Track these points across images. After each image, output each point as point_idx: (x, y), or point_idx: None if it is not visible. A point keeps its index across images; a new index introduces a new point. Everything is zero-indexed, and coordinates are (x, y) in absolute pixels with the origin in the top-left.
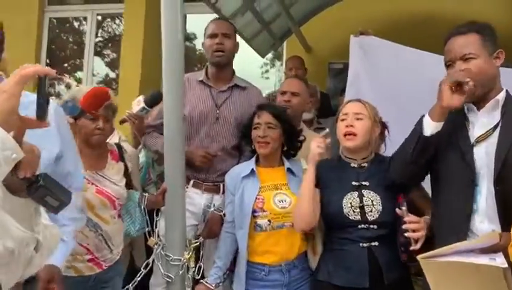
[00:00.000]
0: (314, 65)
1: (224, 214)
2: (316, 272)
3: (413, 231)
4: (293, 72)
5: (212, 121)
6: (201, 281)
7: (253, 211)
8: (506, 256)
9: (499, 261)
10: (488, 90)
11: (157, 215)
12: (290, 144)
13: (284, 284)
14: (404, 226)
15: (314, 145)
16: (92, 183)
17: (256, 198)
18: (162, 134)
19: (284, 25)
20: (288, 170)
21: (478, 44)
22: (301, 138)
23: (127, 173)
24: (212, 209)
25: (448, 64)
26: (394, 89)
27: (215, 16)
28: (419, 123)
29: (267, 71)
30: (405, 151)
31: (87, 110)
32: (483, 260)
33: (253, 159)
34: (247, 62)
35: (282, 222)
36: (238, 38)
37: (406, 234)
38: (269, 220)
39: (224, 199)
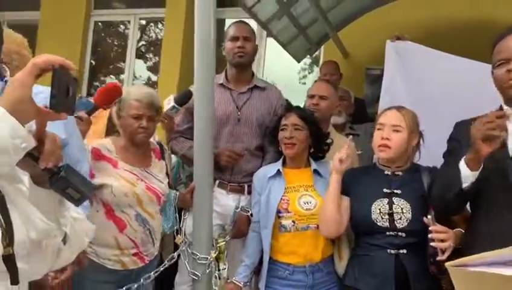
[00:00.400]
0: (351, 71)
1: (251, 214)
2: (344, 277)
3: (442, 241)
4: (328, 77)
5: (234, 122)
6: (231, 279)
7: (278, 212)
8: None
9: None
10: None
11: (185, 213)
12: (317, 146)
13: (308, 286)
14: (430, 235)
15: (336, 158)
16: (142, 180)
17: (281, 199)
18: (188, 138)
19: (321, 30)
20: (315, 171)
21: None
22: (329, 140)
23: (167, 171)
24: (238, 209)
25: (500, 64)
26: (430, 95)
27: (252, 20)
28: (455, 168)
29: (304, 76)
30: (446, 195)
31: (100, 105)
32: None
33: (280, 160)
34: (285, 67)
35: (307, 224)
36: (275, 43)
37: (431, 244)
38: (293, 221)
39: (251, 200)
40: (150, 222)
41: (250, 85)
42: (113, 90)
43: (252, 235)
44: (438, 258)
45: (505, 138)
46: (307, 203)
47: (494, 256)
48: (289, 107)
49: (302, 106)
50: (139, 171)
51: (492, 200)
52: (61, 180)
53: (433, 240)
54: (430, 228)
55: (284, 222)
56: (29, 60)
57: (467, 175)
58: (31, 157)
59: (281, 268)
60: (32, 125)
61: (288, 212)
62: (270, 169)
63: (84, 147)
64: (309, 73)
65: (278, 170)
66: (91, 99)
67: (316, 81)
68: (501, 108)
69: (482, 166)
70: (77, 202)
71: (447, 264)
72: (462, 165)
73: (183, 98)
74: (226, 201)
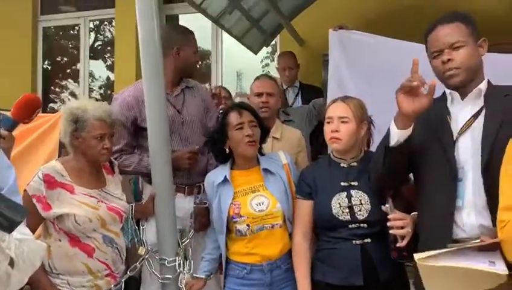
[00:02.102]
0: (308, 58)
1: (209, 205)
2: (312, 272)
3: (402, 227)
4: (287, 73)
5: (179, 126)
6: (193, 275)
7: (232, 217)
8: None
9: (498, 267)
10: (473, 78)
11: (142, 224)
12: (262, 142)
13: (266, 284)
14: (388, 224)
15: None
16: (102, 201)
17: (232, 204)
18: (130, 153)
19: (274, 20)
20: (264, 170)
21: (464, 32)
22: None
23: (122, 185)
24: (195, 202)
25: (436, 55)
26: (375, 80)
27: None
28: (388, 132)
29: (267, 65)
30: (377, 162)
31: (20, 120)
32: (482, 265)
33: (228, 163)
34: (246, 57)
35: (262, 224)
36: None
37: (390, 231)
38: (248, 225)
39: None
40: (116, 240)
41: (181, 86)
42: (31, 103)
43: (210, 230)
44: (398, 244)
45: (449, 120)
46: (259, 204)
47: (458, 251)
48: (237, 104)
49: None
50: (97, 192)
51: (432, 179)
52: None
53: (392, 228)
54: (388, 216)
55: (239, 226)
56: None
57: (394, 133)
58: None
59: (238, 268)
60: None
61: (241, 216)
62: (217, 175)
63: (9, 165)
64: (271, 61)
65: (225, 176)
66: (8, 114)
67: (258, 78)
68: (444, 94)
69: (412, 125)
70: (8, 229)
71: (416, 258)
72: (392, 124)
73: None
74: (183, 204)
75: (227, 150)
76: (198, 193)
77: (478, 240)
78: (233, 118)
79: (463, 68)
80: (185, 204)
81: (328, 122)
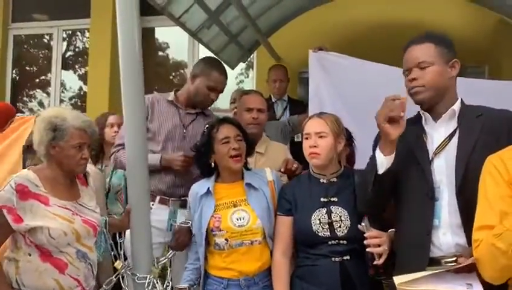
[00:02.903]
0: None
1: (191, 225)
2: (291, 289)
3: (379, 245)
4: (277, 85)
5: (180, 138)
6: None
7: (212, 230)
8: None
9: (476, 288)
10: (442, 98)
11: (120, 237)
12: (248, 156)
13: None
14: (365, 242)
15: None
16: (77, 214)
17: (212, 217)
18: None
19: (252, 36)
20: (247, 185)
21: (433, 52)
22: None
23: (96, 196)
24: (179, 222)
25: (406, 73)
26: (353, 100)
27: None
28: (373, 158)
29: (241, 81)
30: (366, 189)
31: None
32: (460, 287)
33: (213, 176)
34: None
35: (241, 240)
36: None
37: (367, 250)
38: (226, 239)
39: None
40: (89, 255)
41: (197, 110)
42: (5, 111)
43: (193, 243)
44: (375, 262)
45: (425, 140)
46: (240, 219)
47: (436, 275)
48: (223, 119)
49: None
50: (71, 204)
51: (409, 197)
52: None
53: (369, 246)
54: (365, 235)
55: (218, 240)
56: None
57: (382, 161)
58: None
59: (215, 282)
60: None
61: (220, 230)
62: (201, 187)
63: None
64: (245, 78)
65: (208, 188)
66: None
67: (247, 92)
68: (418, 113)
69: (395, 150)
70: None
71: (396, 283)
72: (377, 152)
73: None
74: (167, 216)
75: (212, 164)
76: (185, 207)
77: (454, 259)
78: (220, 132)
79: (427, 87)
80: (167, 216)
81: (306, 138)
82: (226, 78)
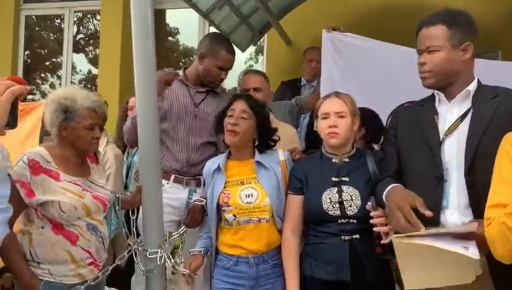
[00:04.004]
0: (295, 58)
1: (206, 204)
2: (300, 267)
3: (385, 225)
4: (313, 65)
5: (191, 117)
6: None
7: (221, 206)
8: (481, 246)
9: (472, 251)
10: (453, 81)
11: (133, 214)
12: (262, 140)
13: (251, 277)
14: (371, 221)
15: None
16: (87, 190)
17: (222, 192)
18: None
19: (263, 18)
20: (257, 163)
21: (442, 36)
22: (275, 137)
23: (107, 173)
24: (193, 200)
25: (420, 53)
26: (367, 81)
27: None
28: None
29: (251, 66)
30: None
31: None
32: (456, 247)
33: (226, 152)
34: None
35: (249, 217)
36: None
37: (374, 229)
38: (234, 215)
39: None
40: (100, 228)
41: (208, 88)
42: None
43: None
44: (382, 241)
45: (437, 121)
46: (249, 196)
47: (435, 235)
48: (239, 94)
49: None
50: (82, 181)
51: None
52: None
53: (375, 225)
54: (371, 214)
55: (227, 215)
56: None
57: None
58: None
59: (225, 259)
60: None
61: (229, 206)
62: (214, 163)
63: None
64: (255, 62)
65: (219, 164)
66: None
67: (245, 73)
68: (433, 94)
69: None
70: None
71: (392, 237)
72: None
73: None
74: (182, 195)
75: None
76: (199, 186)
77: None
78: (230, 106)
79: (434, 72)
80: (184, 194)
81: (325, 118)
82: (234, 55)
